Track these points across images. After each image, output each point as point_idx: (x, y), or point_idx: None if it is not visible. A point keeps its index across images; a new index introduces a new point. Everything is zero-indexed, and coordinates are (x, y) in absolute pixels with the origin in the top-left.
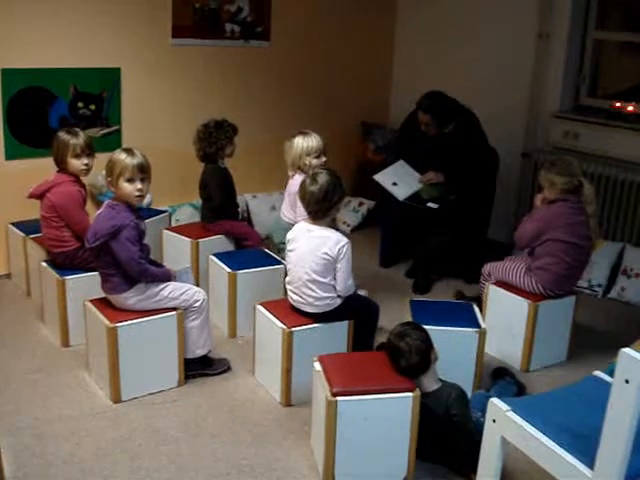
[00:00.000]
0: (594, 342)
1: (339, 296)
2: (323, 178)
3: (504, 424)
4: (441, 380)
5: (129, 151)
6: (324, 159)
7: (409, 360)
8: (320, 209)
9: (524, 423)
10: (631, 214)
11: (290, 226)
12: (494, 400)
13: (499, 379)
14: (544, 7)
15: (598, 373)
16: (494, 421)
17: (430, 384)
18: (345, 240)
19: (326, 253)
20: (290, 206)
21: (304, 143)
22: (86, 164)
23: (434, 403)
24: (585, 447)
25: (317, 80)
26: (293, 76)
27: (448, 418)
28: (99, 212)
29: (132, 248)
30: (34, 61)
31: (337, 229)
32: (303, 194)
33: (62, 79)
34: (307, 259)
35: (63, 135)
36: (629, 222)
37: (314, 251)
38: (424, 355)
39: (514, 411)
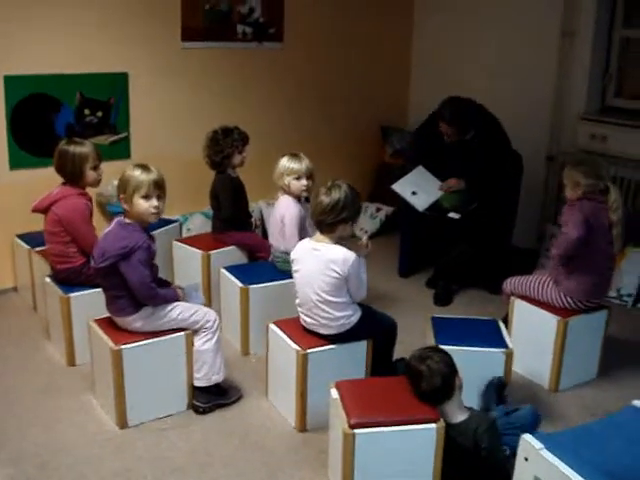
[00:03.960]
0: (625, 357)
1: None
2: (338, 191)
3: (537, 463)
4: (467, 408)
5: (144, 167)
6: (305, 182)
7: (430, 383)
8: (324, 221)
9: (559, 463)
10: None
11: (284, 255)
12: (526, 437)
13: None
14: (568, 4)
15: (638, 403)
16: (526, 459)
17: (455, 414)
18: (353, 257)
19: (335, 271)
20: (278, 232)
21: (287, 163)
22: (100, 174)
23: (461, 435)
24: None
25: (333, 82)
26: (308, 78)
27: (476, 451)
28: (108, 230)
29: (144, 271)
30: (38, 67)
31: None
32: (313, 201)
33: (67, 85)
34: (315, 279)
35: (74, 147)
36: None
37: (323, 270)
38: (446, 379)
39: (548, 449)
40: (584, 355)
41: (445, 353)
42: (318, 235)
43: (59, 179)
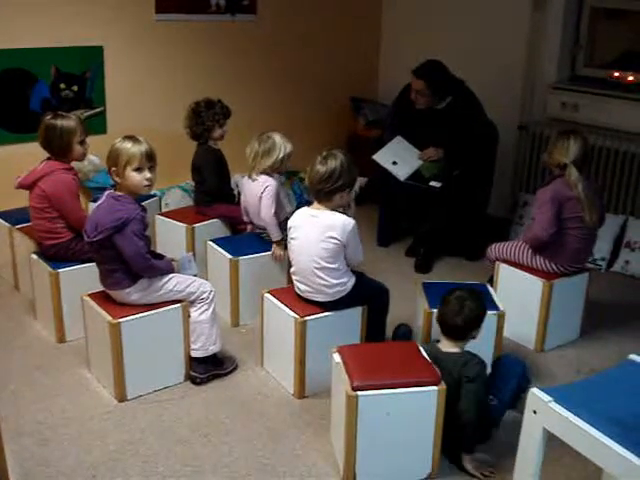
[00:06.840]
0: (603, 318)
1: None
2: (334, 160)
3: (546, 415)
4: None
5: (133, 138)
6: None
7: (463, 320)
8: (322, 190)
9: (568, 414)
10: (633, 186)
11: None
12: (534, 390)
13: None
14: None
15: (634, 357)
16: (534, 412)
17: (453, 348)
18: (352, 222)
19: (335, 238)
20: (269, 207)
21: (287, 148)
22: (87, 147)
23: (449, 364)
24: (637, 438)
25: (304, 54)
26: (280, 50)
27: (459, 382)
28: (99, 202)
29: (139, 243)
30: (11, 41)
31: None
32: (310, 172)
33: (42, 59)
34: (313, 246)
35: (61, 121)
36: (631, 194)
37: (321, 237)
38: (469, 325)
39: (557, 402)
40: (567, 316)
41: (484, 308)
42: (315, 204)
43: (36, 155)
